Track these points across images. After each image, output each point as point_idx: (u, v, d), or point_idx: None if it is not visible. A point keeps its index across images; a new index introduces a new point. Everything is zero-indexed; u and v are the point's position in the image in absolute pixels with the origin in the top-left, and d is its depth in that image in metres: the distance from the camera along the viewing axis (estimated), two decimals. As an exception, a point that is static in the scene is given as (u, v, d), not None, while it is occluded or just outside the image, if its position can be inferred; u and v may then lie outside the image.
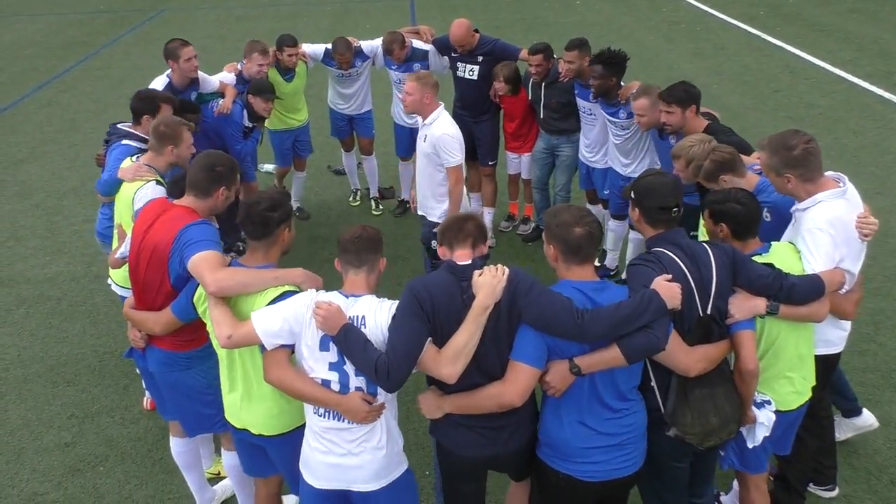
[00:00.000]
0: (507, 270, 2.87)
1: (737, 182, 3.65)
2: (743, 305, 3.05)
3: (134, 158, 4.30)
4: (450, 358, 2.82)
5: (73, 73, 12.95)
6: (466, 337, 2.81)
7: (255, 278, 3.10)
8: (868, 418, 4.36)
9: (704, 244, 3.11)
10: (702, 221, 3.66)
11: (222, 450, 3.92)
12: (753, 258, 3.16)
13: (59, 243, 7.24)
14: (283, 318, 2.92)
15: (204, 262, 3.13)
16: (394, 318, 2.86)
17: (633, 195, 3.14)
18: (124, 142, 4.51)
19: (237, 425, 3.34)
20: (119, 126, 4.71)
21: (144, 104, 4.61)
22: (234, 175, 3.52)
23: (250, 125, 6.16)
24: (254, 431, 3.28)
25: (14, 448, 4.74)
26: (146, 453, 4.64)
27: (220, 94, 6.09)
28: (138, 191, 4.07)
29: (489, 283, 2.81)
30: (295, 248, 6.62)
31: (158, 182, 4.11)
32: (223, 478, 4.31)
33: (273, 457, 3.40)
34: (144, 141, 4.45)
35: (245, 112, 6.09)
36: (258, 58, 6.32)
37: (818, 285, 3.12)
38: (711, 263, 3.01)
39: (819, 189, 3.29)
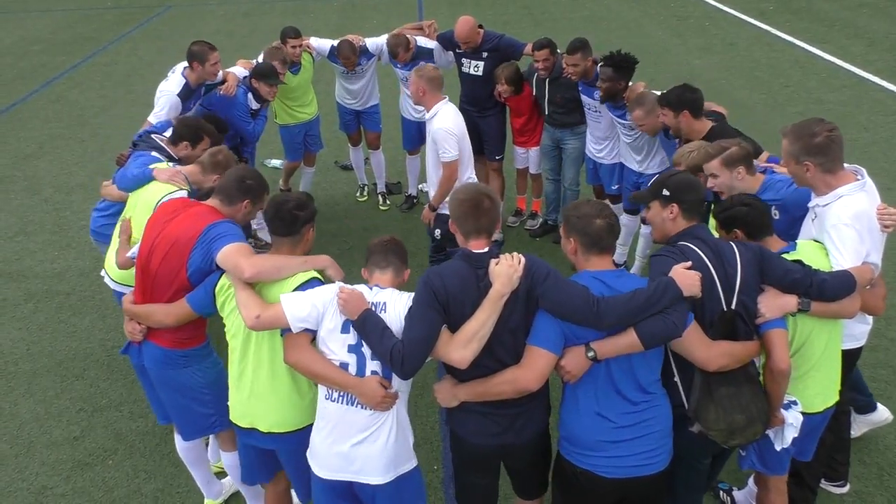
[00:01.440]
0: (523, 259, 2.87)
1: (748, 179, 3.65)
2: (773, 303, 3.00)
3: (171, 164, 4.31)
4: (462, 342, 2.83)
5: (81, 69, 12.98)
6: (480, 323, 2.82)
7: (287, 263, 3.19)
8: (883, 412, 4.33)
9: (730, 243, 3.08)
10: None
11: (221, 451, 3.91)
12: (781, 256, 3.11)
13: (67, 238, 7.26)
14: (312, 304, 3.00)
15: (236, 251, 3.21)
16: (409, 308, 2.89)
17: (666, 193, 3.09)
18: (153, 153, 4.49)
19: (243, 425, 3.32)
20: (154, 136, 4.71)
21: (189, 132, 4.62)
22: (262, 194, 3.56)
23: (256, 107, 6.15)
24: (262, 429, 3.27)
25: (23, 442, 4.76)
26: (154, 447, 4.65)
27: (223, 82, 6.08)
28: (167, 195, 4.02)
29: (506, 272, 2.81)
30: (302, 243, 6.72)
31: (190, 194, 4.09)
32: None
33: (282, 458, 3.39)
34: (172, 160, 4.48)
35: (249, 94, 6.09)
36: (278, 65, 6.30)
37: (849, 281, 3.06)
38: (736, 259, 2.99)
39: (839, 182, 3.23)
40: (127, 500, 4.28)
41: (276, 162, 7.96)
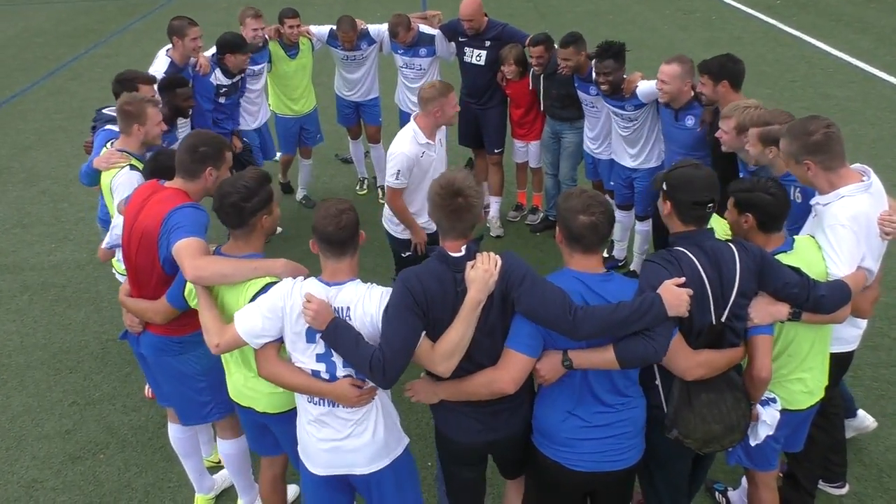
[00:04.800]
0: (499, 261, 2.77)
1: (779, 161, 3.47)
2: (764, 310, 2.91)
3: (109, 145, 4.21)
4: (444, 355, 2.77)
5: (83, 60, 12.96)
6: (460, 333, 2.75)
7: (234, 268, 3.04)
8: (864, 419, 4.24)
9: (731, 245, 2.91)
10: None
11: (218, 439, 3.88)
12: (777, 256, 3.00)
13: (64, 231, 7.23)
14: (262, 316, 2.86)
15: (185, 249, 3.08)
16: (387, 311, 2.77)
17: (664, 186, 2.93)
18: (108, 126, 4.43)
19: (242, 403, 3.32)
20: (104, 111, 4.64)
21: (123, 86, 4.49)
22: (221, 154, 3.42)
23: (227, 82, 6.01)
24: (258, 409, 3.27)
25: (15, 435, 4.73)
26: (147, 441, 4.61)
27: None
28: (113, 178, 3.99)
29: (481, 277, 2.72)
30: (300, 237, 6.70)
31: (133, 167, 4.01)
32: (223, 466, 4.28)
33: (277, 434, 3.39)
34: None
35: (218, 70, 5.94)
36: (252, 22, 6.25)
37: (845, 293, 2.97)
38: (736, 267, 2.85)
39: (842, 181, 3.12)
40: (117, 494, 4.25)
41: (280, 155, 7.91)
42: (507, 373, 2.79)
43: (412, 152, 4.71)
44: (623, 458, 2.93)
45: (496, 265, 2.75)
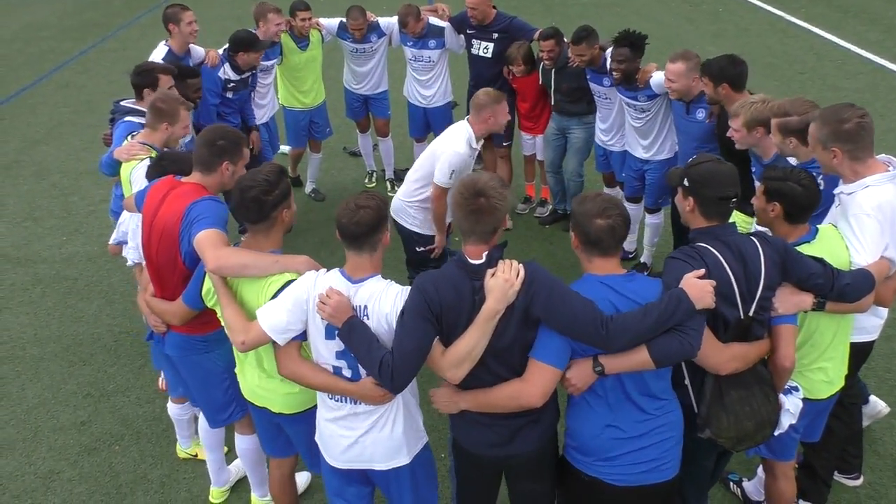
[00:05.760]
0: (521, 271, 2.66)
1: (800, 149, 3.46)
2: (788, 300, 2.89)
3: (130, 137, 4.22)
4: (453, 362, 2.71)
5: (90, 54, 12.95)
6: (473, 342, 2.67)
7: (255, 260, 3.03)
8: (877, 405, 4.25)
9: (754, 238, 2.89)
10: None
11: (236, 434, 3.89)
12: (800, 246, 2.98)
13: (75, 223, 7.26)
14: (286, 310, 2.86)
15: (206, 240, 3.07)
16: (401, 315, 2.72)
17: (686, 183, 2.88)
18: (127, 118, 4.45)
19: (257, 403, 3.32)
20: (122, 103, 4.66)
21: (143, 78, 4.52)
22: (238, 149, 3.41)
23: (236, 78, 6.01)
24: (273, 410, 3.27)
25: (30, 427, 4.76)
26: (161, 433, 4.64)
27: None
28: (133, 170, 3.99)
29: (500, 287, 2.62)
30: (310, 230, 6.73)
31: (153, 159, 4.01)
32: (200, 459, 4.33)
33: (291, 435, 3.39)
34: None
35: (227, 66, 5.95)
36: (275, 17, 6.27)
37: (869, 282, 2.95)
38: (761, 261, 2.82)
39: (867, 171, 3.11)
40: (133, 486, 4.28)
41: (284, 148, 7.91)
42: (535, 386, 2.70)
43: (466, 153, 4.72)
44: (665, 469, 2.84)
45: (518, 275, 2.65)
